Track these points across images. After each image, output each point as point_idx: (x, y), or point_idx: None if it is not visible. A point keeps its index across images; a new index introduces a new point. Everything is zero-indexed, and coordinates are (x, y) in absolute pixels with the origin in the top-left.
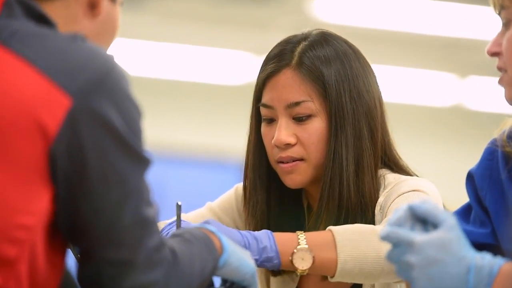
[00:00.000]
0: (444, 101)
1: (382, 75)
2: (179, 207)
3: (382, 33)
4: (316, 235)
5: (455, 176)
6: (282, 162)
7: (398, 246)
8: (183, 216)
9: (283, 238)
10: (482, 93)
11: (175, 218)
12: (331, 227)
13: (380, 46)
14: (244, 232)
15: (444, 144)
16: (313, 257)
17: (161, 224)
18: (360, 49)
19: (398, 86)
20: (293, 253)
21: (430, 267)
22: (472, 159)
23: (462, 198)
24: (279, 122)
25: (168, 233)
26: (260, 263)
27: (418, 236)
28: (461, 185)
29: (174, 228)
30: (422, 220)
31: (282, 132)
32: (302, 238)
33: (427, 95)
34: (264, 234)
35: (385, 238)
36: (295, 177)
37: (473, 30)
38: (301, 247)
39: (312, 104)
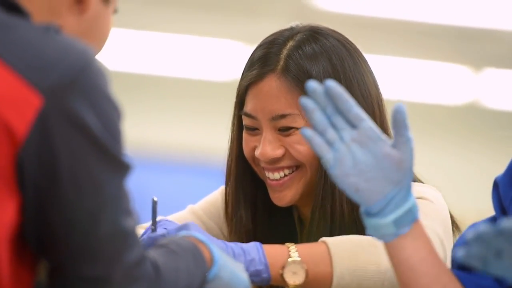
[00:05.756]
0: (456, 98)
1: (386, 68)
2: (155, 203)
3: (386, 22)
4: (309, 247)
5: (469, 183)
6: (272, 180)
7: None
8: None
9: (272, 250)
10: (501, 88)
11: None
12: (325, 238)
13: (384, 36)
14: (230, 243)
15: (457, 147)
16: (306, 270)
17: (139, 229)
18: (362, 40)
19: (404, 81)
20: (283, 266)
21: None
22: (488, 164)
23: (477, 208)
24: (264, 135)
25: (144, 237)
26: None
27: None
28: (476, 194)
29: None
30: None
31: (267, 146)
32: (293, 250)
33: (437, 91)
34: (252, 246)
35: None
36: (285, 194)
37: (489, 19)
38: (292, 259)
39: (300, 118)
